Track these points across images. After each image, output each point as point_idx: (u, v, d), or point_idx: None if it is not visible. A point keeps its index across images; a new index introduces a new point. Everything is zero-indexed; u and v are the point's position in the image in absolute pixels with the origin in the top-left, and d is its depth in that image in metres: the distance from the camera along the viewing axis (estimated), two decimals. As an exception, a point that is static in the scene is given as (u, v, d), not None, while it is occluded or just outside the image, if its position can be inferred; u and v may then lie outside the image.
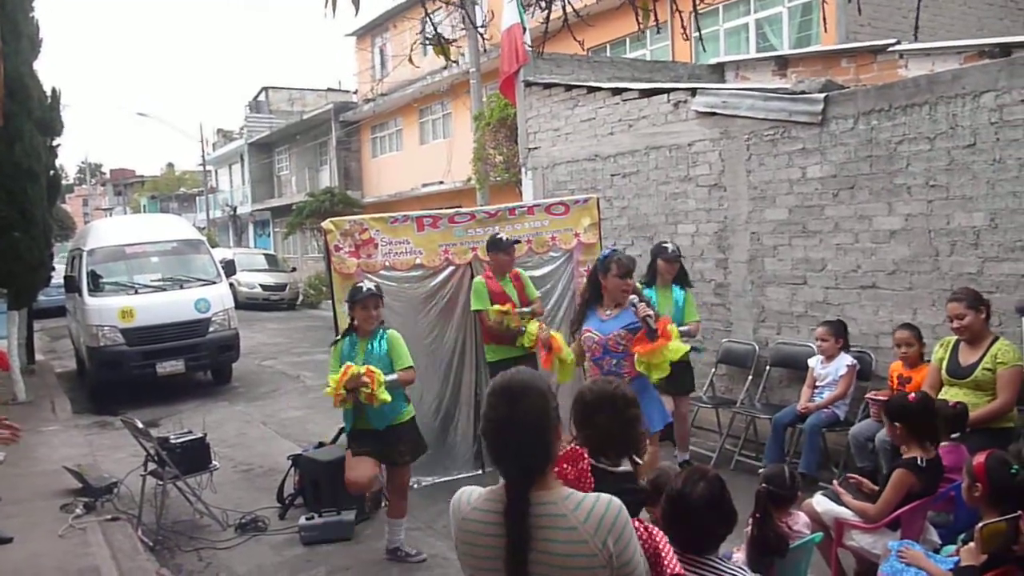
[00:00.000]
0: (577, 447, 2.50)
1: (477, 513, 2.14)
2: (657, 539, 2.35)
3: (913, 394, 4.46)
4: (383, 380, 5.00)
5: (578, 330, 5.13)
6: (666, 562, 2.28)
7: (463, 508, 2.17)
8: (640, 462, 2.71)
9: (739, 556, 3.50)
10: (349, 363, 5.05)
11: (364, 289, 5.24)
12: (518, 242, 6.61)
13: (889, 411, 4.30)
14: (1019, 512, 3.26)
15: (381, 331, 5.28)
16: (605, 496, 2.11)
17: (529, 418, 2.07)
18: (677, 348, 4.83)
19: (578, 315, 5.24)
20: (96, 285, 11.18)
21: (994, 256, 5.61)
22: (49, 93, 11.73)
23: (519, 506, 2.06)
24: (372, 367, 5.02)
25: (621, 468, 2.59)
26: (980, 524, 3.31)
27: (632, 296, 4.92)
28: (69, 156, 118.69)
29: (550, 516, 2.05)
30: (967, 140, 5.68)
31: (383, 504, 6.00)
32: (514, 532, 2.05)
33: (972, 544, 3.32)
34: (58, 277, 13.13)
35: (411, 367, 5.28)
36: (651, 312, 4.83)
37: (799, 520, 3.67)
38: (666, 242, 6.76)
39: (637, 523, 2.31)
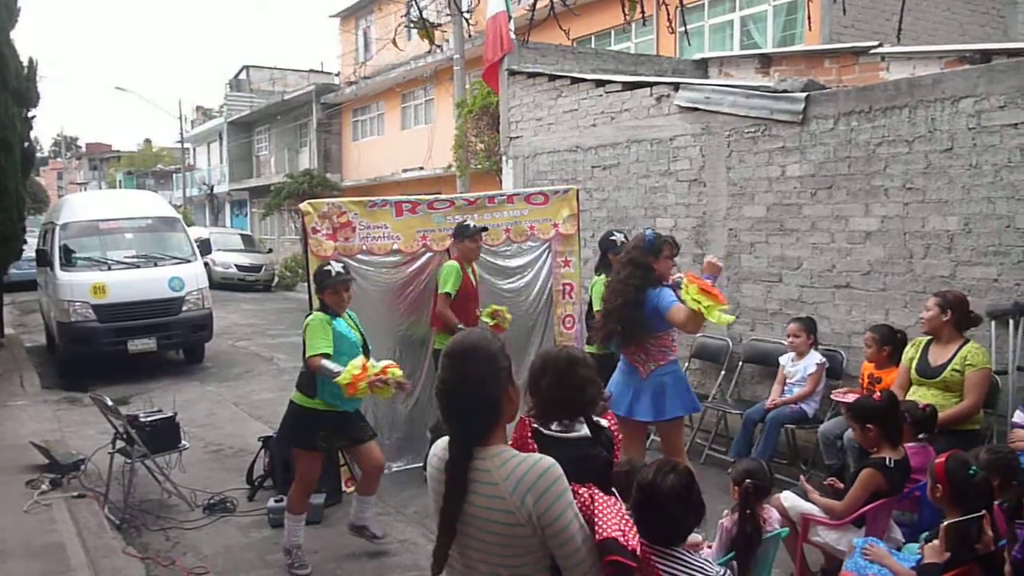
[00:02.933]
0: (524, 416, 2.54)
1: (435, 460, 2.27)
2: (597, 504, 2.24)
3: (878, 394, 4.50)
4: (399, 374, 4.86)
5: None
6: (598, 527, 2.18)
7: (432, 454, 2.30)
8: (604, 424, 2.58)
9: (706, 552, 3.53)
10: (365, 359, 4.75)
11: (334, 273, 4.94)
12: (485, 229, 6.50)
13: (857, 414, 4.29)
14: (982, 511, 3.32)
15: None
16: (536, 456, 2.16)
17: (473, 379, 2.13)
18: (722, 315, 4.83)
19: (633, 303, 4.88)
20: (68, 260, 11.02)
21: (967, 260, 5.67)
22: (26, 63, 11.53)
23: (458, 462, 2.14)
24: (386, 365, 4.87)
25: (574, 434, 2.52)
26: (945, 522, 3.36)
27: (678, 275, 4.88)
28: (44, 128, 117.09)
29: (479, 472, 2.13)
30: (945, 144, 5.74)
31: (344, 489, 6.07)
32: (451, 487, 2.14)
33: (936, 542, 3.37)
34: (30, 250, 12.94)
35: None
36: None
37: (772, 514, 3.71)
38: (614, 234, 6.40)
39: (585, 489, 2.27)
